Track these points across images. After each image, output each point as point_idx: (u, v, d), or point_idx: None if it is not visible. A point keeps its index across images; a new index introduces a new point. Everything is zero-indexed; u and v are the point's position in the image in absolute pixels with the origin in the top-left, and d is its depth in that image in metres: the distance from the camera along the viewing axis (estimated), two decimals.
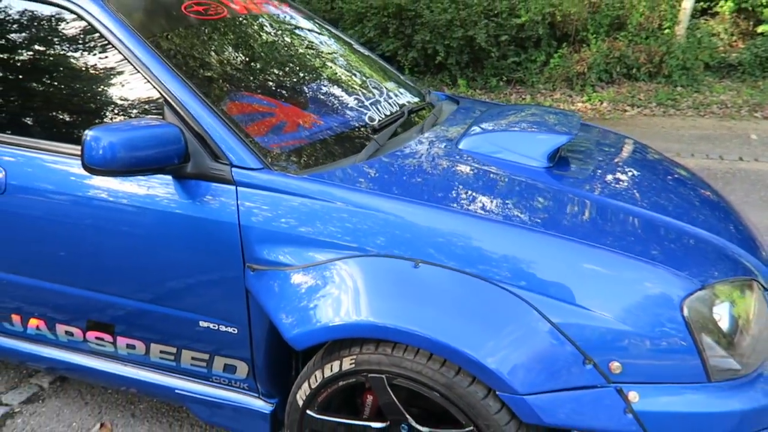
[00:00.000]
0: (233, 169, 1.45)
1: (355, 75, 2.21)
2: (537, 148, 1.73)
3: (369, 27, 6.77)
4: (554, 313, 1.26)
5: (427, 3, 6.66)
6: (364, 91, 2.02)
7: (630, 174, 1.85)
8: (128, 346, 1.73)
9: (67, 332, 1.78)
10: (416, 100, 2.23)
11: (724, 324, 1.31)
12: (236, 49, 1.90)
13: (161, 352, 1.70)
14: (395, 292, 1.34)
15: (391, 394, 1.37)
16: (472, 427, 1.31)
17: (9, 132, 1.69)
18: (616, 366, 1.25)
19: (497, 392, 1.27)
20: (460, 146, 1.76)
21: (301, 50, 2.17)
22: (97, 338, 1.75)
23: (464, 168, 1.66)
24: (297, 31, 2.25)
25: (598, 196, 1.60)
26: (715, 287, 1.32)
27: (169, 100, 1.49)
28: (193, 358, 1.68)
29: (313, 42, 2.26)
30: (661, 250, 1.37)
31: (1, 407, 2.03)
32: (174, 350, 1.68)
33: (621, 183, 1.75)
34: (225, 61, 1.79)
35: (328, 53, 2.26)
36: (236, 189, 1.45)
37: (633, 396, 1.25)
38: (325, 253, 1.40)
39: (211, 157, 1.46)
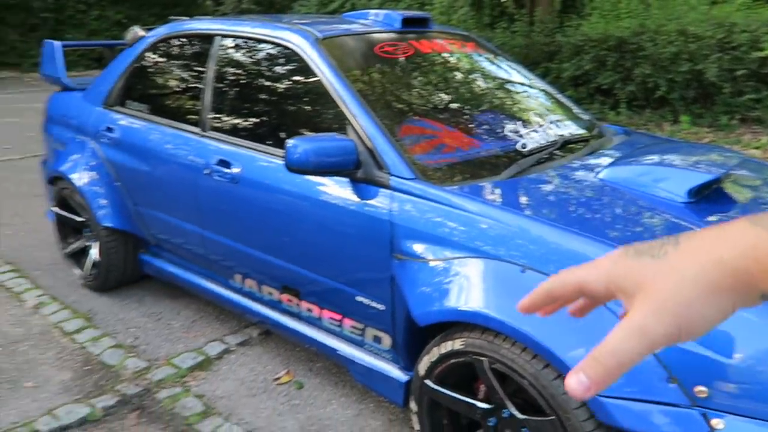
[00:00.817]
0: (391, 177, 1.83)
1: (522, 107, 2.45)
2: (679, 183, 1.79)
3: (586, 60, 6.76)
4: None
5: (652, 36, 6.41)
6: (526, 121, 2.26)
7: None
8: (308, 309, 2.22)
9: (269, 292, 2.35)
10: (581, 132, 2.38)
11: None
12: (416, 81, 2.30)
13: (330, 318, 2.15)
14: (503, 290, 1.57)
15: (491, 377, 1.60)
16: (554, 417, 1.47)
17: (246, 138, 2.32)
18: (701, 390, 1.31)
19: None
20: (601, 175, 1.90)
21: (475, 83, 2.49)
22: (288, 300, 2.28)
23: (596, 194, 1.80)
24: (476, 67, 2.58)
25: None
26: None
27: (351, 120, 1.94)
28: (352, 326, 2.09)
29: (488, 76, 2.56)
30: None
31: (223, 344, 2.71)
32: (339, 317, 2.12)
33: None
34: (405, 92, 2.21)
35: (502, 86, 2.54)
36: (391, 193, 1.83)
37: (716, 423, 1.30)
38: (453, 252, 1.69)
39: (376, 167, 1.87)
